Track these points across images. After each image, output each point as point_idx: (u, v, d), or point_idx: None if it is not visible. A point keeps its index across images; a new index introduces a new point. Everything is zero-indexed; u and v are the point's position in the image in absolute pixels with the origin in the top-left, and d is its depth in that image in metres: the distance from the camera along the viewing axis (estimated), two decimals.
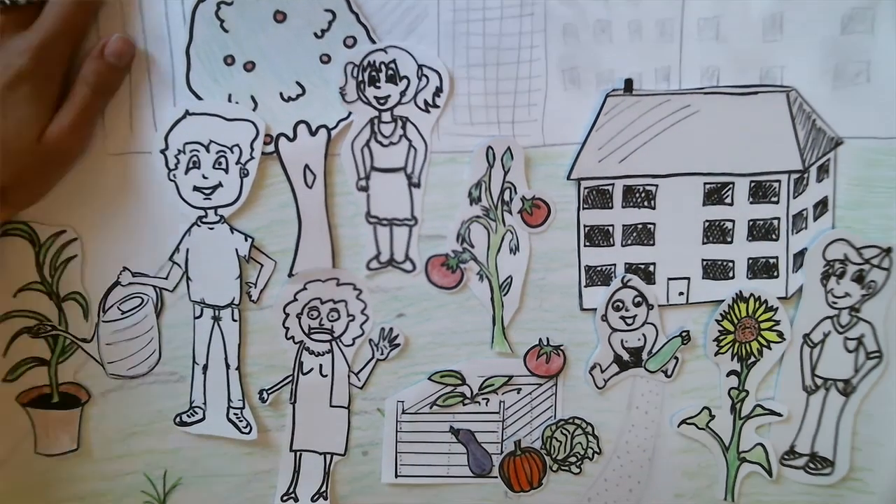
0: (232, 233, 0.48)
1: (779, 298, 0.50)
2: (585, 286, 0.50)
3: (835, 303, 0.50)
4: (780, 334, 0.50)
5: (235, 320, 0.49)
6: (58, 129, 0.44)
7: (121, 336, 0.49)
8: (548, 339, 0.50)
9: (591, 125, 0.48)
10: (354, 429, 0.51)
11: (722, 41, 0.48)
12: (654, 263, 0.50)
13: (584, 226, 0.49)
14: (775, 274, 0.50)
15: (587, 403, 0.51)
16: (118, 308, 0.48)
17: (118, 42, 0.45)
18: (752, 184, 0.48)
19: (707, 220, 0.49)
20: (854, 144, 0.48)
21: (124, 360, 0.49)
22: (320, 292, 0.49)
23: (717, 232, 0.49)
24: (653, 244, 0.49)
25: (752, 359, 0.50)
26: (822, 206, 0.49)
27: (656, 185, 0.48)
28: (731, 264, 0.50)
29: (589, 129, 0.48)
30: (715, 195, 0.49)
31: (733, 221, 0.49)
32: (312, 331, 0.50)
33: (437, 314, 0.50)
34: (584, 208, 0.49)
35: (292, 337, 0.50)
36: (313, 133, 0.48)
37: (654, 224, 0.49)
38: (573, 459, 0.51)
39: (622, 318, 0.50)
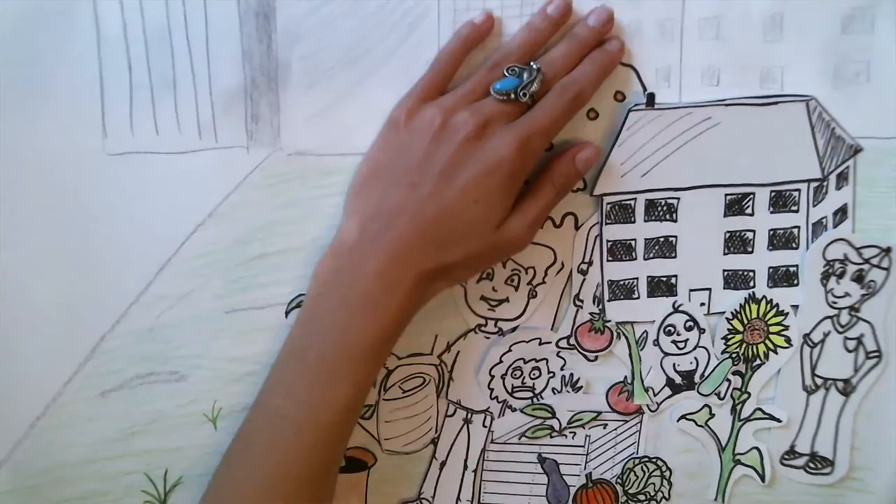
0: None
1: (793, 306, 0.50)
2: (609, 300, 0.50)
3: (835, 302, 0.50)
4: (788, 340, 0.50)
5: (486, 426, 0.50)
6: (520, 223, 0.44)
7: (400, 414, 0.50)
8: (600, 313, 0.50)
9: (614, 141, 0.48)
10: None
11: (722, 41, 0.48)
12: (675, 275, 0.50)
13: (607, 241, 0.49)
14: (795, 282, 0.50)
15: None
16: (399, 387, 0.49)
17: (591, 151, 0.46)
18: (773, 193, 0.49)
19: (728, 231, 0.49)
20: None
21: (401, 437, 0.50)
22: (524, 353, 0.50)
23: (737, 242, 0.49)
24: (674, 256, 0.50)
25: (758, 361, 0.50)
26: (841, 213, 0.49)
27: (678, 198, 0.49)
28: (751, 274, 0.50)
29: (611, 145, 0.48)
30: (736, 206, 0.49)
31: (754, 231, 0.49)
32: (515, 389, 0.50)
33: (437, 314, 0.50)
34: (606, 223, 0.49)
35: (496, 397, 0.50)
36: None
37: (675, 237, 0.49)
38: (642, 497, 0.51)
39: (674, 342, 0.50)
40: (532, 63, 0.45)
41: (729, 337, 0.50)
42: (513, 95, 0.44)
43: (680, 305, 0.50)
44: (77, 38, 0.47)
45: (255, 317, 0.49)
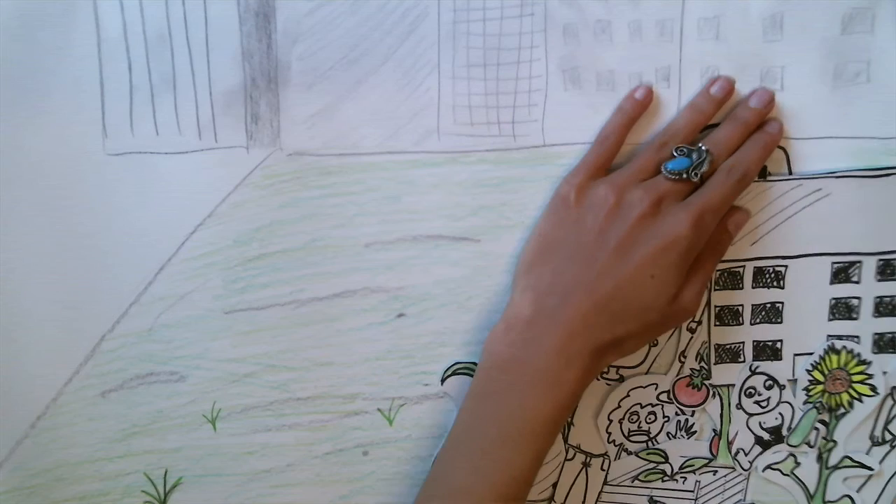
0: None
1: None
2: (715, 363, 0.51)
3: None
4: (874, 388, 0.50)
5: (603, 469, 0.51)
6: (691, 295, 0.45)
7: None
8: (700, 371, 0.51)
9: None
10: (354, 429, 0.51)
11: (722, 41, 0.48)
12: (780, 340, 0.51)
13: (715, 306, 0.50)
14: None
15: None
16: None
17: (742, 215, 0.48)
18: (881, 262, 0.49)
19: (834, 298, 0.50)
20: (853, 144, 0.48)
21: (534, 486, 0.50)
22: (641, 398, 0.51)
23: (843, 309, 0.50)
24: (780, 322, 0.50)
25: (842, 410, 0.51)
26: None
27: (786, 266, 0.50)
28: (856, 339, 0.50)
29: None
30: (842, 273, 0.50)
31: (860, 298, 0.50)
32: (631, 433, 0.51)
33: (437, 314, 0.50)
34: (715, 289, 0.50)
35: (613, 440, 0.51)
36: None
37: (782, 303, 0.50)
38: None
39: (756, 402, 0.51)
40: (700, 145, 0.46)
41: (810, 388, 0.51)
42: (684, 175, 0.45)
43: (757, 367, 0.51)
44: (77, 39, 0.47)
45: (254, 317, 0.49)
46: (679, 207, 0.45)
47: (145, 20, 0.47)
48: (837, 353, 0.50)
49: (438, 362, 0.50)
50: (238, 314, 0.49)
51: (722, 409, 0.51)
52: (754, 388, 0.51)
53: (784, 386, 0.51)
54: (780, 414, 0.51)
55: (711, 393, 0.51)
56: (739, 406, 0.51)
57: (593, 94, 0.48)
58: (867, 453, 0.51)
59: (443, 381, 0.50)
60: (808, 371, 0.51)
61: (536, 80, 0.48)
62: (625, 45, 0.48)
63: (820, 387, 0.51)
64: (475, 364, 0.49)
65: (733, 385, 0.51)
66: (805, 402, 0.51)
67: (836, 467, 0.52)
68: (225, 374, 0.50)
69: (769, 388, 0.51)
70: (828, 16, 0.47)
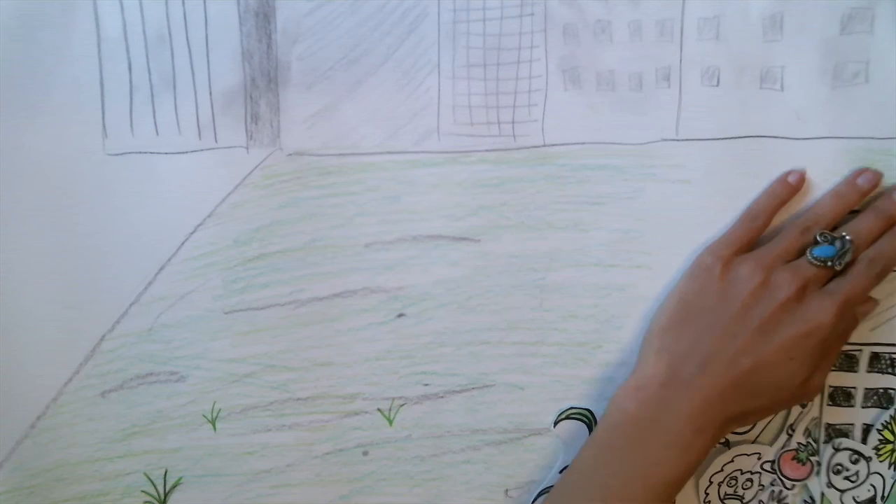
0: None
1: None
2: (824, 442, 0.51)
3: None
4: None
5: None
6: (820, 378, 0.46)
7: None
8: (806, 446, 0.51)
9: None
10: (354, 429, 0.51)
11: (722, 41, 0.48)
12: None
13: (829, 386, 0.51)
14: None
15: None
16: None
17: (871, 304, 0.49)
18: None
19: None
20: (851, 144, 0.48)
21: None
22: (743, 464, 0.51)
23: None
24: (889, 408, 0.51)
25: None
26: None
27: None
28: None
29: None
30: None
31: None
32: (726, 496, 0.52)
33: (437, 314, 0.50)
34: (831, 370, 0.50)
35: (709, 502, 0.52)
36: None
37: (894, 390, 0.51)
38: None
39: (846, 478, 0.51)
40: (844, 233, 0.46)
41: (880, 447, 0.51)
42: (829, 263, 0.46)
43: (840, 444, 0.51)
44: (77, 39, 0.47)
45: (254, 317, 0.49)
46: (824, 295, 0.45)
47: (145, 20, 0.47)
48: None
49: (438, 362, 0.50)
50: (238, 314, 0.49)
51: (823, 488, 0.52)
52: (841, 464, 0.51)
53: (871, 458, 0.51)
54: (872, 486, 0.51)
55: (815, 470, 0.51)
56: (830, 485, 0.51)
57: (593, 94, 0.48)
58: None
59: (555, 423, 0.50)
60: (879, 430, 0.51)
61: (536, 80, 0.48)
62: (625, 45, 0.48)
63: (889, 446, 0.51)
64: (589, 410, 0.50)
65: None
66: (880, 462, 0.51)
67: None
68: (225, 374, 0.50)
69: (855, 462, 0.51)
70: (827, 16, 0.47)
